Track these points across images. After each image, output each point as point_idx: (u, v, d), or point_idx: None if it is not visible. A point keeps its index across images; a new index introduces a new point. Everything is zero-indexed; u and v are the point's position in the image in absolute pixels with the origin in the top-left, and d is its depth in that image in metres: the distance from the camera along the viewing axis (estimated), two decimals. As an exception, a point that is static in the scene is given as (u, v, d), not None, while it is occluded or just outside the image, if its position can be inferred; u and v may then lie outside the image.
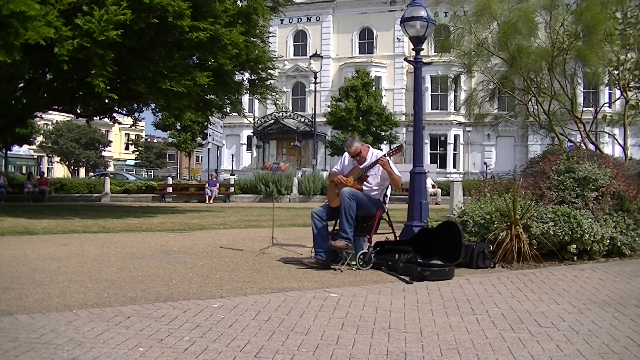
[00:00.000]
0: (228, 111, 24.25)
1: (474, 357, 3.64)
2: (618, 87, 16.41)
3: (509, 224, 7.20)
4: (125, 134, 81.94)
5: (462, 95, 38.34)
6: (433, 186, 26.13)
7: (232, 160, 49.18)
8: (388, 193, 7.30)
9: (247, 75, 21.02)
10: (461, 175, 44.31)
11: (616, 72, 15.66)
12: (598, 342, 3.99)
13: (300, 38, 52.18)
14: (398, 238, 7.72)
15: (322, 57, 38.90)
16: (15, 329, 4.08)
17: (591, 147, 15.04)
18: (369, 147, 7.38)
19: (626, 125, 16.13)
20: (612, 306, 5.08)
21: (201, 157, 68.44)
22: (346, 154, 7.48)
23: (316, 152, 39.10)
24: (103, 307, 4.77)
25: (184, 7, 14.66)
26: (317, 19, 51.21)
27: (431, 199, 22.33)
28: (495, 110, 20.67)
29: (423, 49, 9.21)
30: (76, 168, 70.80)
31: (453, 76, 26.00)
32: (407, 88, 48.02)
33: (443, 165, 46.92)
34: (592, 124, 17.56)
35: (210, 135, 33.81)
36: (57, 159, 69.56)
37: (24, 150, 60.48)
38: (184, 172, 61.28)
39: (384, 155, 7.04)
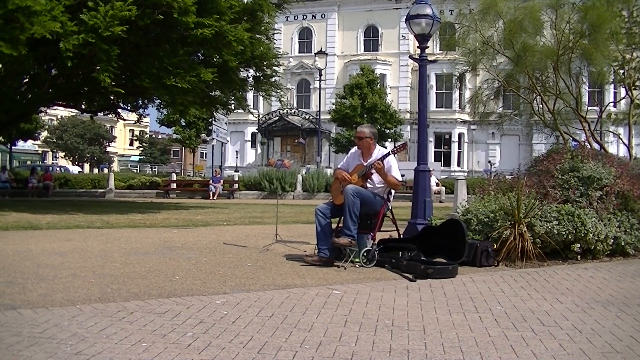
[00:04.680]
0: (233, 108, 24.29)
1: (476, 355, 3.64)
2: (623, 86, 16.38)
3: (512, 222, 7.19)
4: (130, 129, 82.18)
5: (467, 94, 38.31)
6: (437, 184, 26.15)
7: (237, 157, 49.24)
8: (392, 191, 7.29)
9: (252, 72, 21.06)
10: (465, 174, 44.29)
11: (621, 71, 15.63)
12: (601, 341, 3.99)
13: (305, 35, 52.20)
14: (402, 236, 7.71)
15: (327, 54, 39.02)
16: (18, 323, 4.09)
17: (596, 146, 15.02)
18: (376, 144, 7.36)
19: (631, 125, 16.11)
20: (616, 305, 5.07)
21: (205, 153, 68.50)
22: (352, 149, 7.49)
23: (320, 149, 39.14)
24: (106, 303, 4.77)
25: (189, 4, 14.67)
26: (323, 16, 51.19)
27: (435, 197, 22.34)
28: (500, 109, 20.68)
29: (428, 47, 9.19)
30: (80, 163, 70.98)
31: (458, 74, 26.01)
32: (412, 86, 48.02)
33: (447, 163, 46.89)
34: (596, 123, 17.53)
35: (214, 131, 33.81)
36: (61, 154, 69.77)
37: (28, 145, 60.68)
38: (188, 168, 61.39)
39: (387, 154, 7.02)
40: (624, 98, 19.18)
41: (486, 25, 14.92)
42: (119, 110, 24.56)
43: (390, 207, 7.30)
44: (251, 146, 52.69)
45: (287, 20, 46.01)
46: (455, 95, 46.08)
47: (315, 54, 37.39)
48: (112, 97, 20.50)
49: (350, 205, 6.71)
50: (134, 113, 25.57)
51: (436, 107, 46.71)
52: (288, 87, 46.81)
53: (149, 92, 18.46)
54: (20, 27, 12.44)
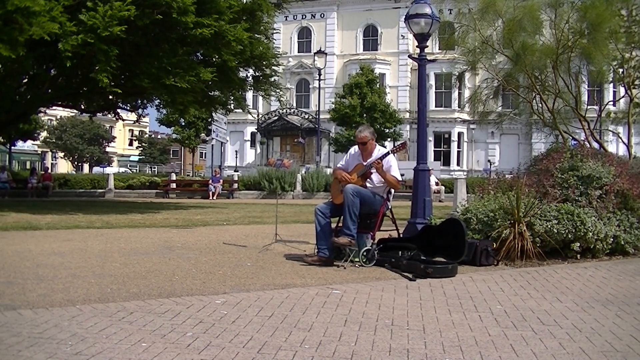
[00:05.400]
0: (232, 107, 24.30)
1: (476, 354, 3.64)
2: (622, 85, 16.40)
3: (512, 221, 7.19)
4: (129, 129, 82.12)
5: (467, 93, 38.28)
6: (436, 183, 26.14)
7: (236, 157, 49.23)
8: (392, 190, 7.29)
9: (251, 71, 21.07)
10: (465, 173, 44.29)
11: (621, 69, 15.65)
12: (601, 340, 3.99)
13: (304, 35, 52.20)
14: (401, 235, 7.71)
15: (326, 53, 38.95)
16: (18, 323, 4.09)
17: (595, 145, 15.03)
18: (376, 144, 7.36)
19: (630, 124, 16.13)
20: (615, 304, 5.07)
21: (205, 153, 68.55)
22: (352, 149, 7.48)
23: (320, 149, 39.12)
24: (106, 303, 4.77)
25: (188, 3, 14.67)
26: (322, 15, 51.18)
27: (434, 196, 22.34)
28: (500, 108, 20.66)
29: (427, 46, 9.19)
30: (80, 163, 70.98)
31: (457, 73, 25.99)
32: (411, 85, 48.02)
33: (447, 162, 46.90)
34: (596, 122, 17.54)
35: (214, 131, 33.79)
36: (61, 154, 69.76)
37: (27, 145, 60.66)
38: (188, 168, 61.42)
39: (387, 153, 7.02)
40: (623, 97, 19.21)
41: (485, 25, 14.93)
42: (119, 110, 24.58)
43: (389, 207, 7.30)
44: (250, 146, 52.68)
45: (286, 19, 45.96)
46: (455, 94, 46.05)
47: (315, 53, 37.33)
48: (111, 97, 20.52)
49: (350, 204, 6.71)
50: (133, 113, 25.60)
51: (435, 107, 46.71)
52: (287, 86, 46.78)
53: (148, 92, 18.47)
54: (19, 28, 12.43)
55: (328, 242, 6.88)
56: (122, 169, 60.81)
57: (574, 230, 7.19)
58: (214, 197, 26.91)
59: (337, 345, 3.74)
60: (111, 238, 9.43)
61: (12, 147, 44.18)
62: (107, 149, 74.55)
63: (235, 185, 28.47)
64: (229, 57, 16.55)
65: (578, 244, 7.30)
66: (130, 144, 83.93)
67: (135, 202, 23.09)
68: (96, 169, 60.27)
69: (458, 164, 47.68)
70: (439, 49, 29.89)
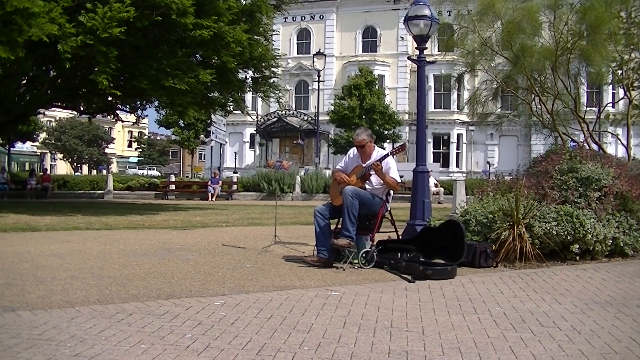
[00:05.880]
0: (231, 109, 24.28)
1: (475, 356, 3.64)
2: (621, 87, 16.42)
3: (511, 223, 7.19)
4: (129, 131, 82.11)
5: (466, 95, 38.30)
6: (435, 185, 26.13)
7: (235, 158, 49.16)
8: (391, 192, 7.29)
9: (250, 73, 21.07)
10: (464, 175, 44.29)
11: (620, 71, 15.67)
12: (600, 342, 3.99)
13: (303, 36, 52.19)
14: (400, 237, 7.71)
15: (325, 55, 38.91)
16: (17, 325, 4.09)
17: (594, 146, 15.04)
18: (374, 146, 7.36)
19: (629, 125, 16.15)
20: (615, 306, 5.07)
21: (204, 154, 68.56)
22: (351, 151, 7.49)
23: (319, 151, 39.07)
24: (105, 304, 4.77)
25: (188, 5, 14.68)
26: (321, 17, 51.19)
27: (434, 198, 22.34)
28: (499, 110, 20.69)
29: (427, 48, 9.20)
30: (79, 165, 70.93)
31: (456, 75, 26.05)
32: (410, 87, 48.01)
33: (446, 164, 46.90)
34: (595, 124, 17.53)
35: (213, 132, 33.76)
36: (60, 155, 69.69)
37: (27, 146, 60.65)
38: (187, 169, 61.40)
39: (386, 155, 7.02)
40: (622, 99, 19.22)
41: (484, 26, 14.96)
42: (118, 111, 24.57)
43: (389, 208, 7.30)
44: (250, 147, 52.62)
45: (285, 21, 45.96)
46: (454, 96, 46.05)
47: (314, 55, 37.27)
48: (110, 99, 20.51)
49: (349, 206, 6.71)
50: (132, 114, 25.60)
51: (435, 108, 46.71)
52: (286, 88, 46.73)
53: (147, 93, 18.46)
54: (18, 30, 12.43)
55: (327, 243, 6.88)
56: (137, 171, 61.34)
57: (573, 232, 7.19)
58: (213, 199, 26.87)
59: (336, 347, 3.74)
60: (110, 239, 9.42)
61: (11, 148, 44.15)
62: (106, 150, 74.51)
63: (235, 187, 28.43)
64: (228, 58, 16.56)
65: (577, 246, 7.30)
66: (130, 146, 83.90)
67: (135, 203, 23.07)
68: (130, 171, 60.93)
69: (457, 166, 47.67)
70: (438, 51, 29.94)
